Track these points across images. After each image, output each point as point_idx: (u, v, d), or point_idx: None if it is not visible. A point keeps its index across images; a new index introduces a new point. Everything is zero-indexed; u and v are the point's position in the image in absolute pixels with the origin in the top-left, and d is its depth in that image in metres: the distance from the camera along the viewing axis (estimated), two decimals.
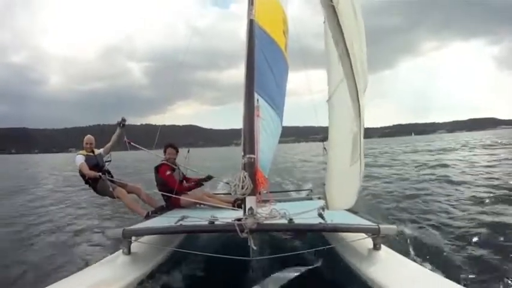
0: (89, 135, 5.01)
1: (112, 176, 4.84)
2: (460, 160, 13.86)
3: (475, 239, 3.96)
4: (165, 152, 4.81)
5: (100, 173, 4.61)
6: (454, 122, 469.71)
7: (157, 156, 4.90)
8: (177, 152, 4.86)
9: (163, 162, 4.70)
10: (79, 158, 4.76)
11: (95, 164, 4.82)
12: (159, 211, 4.33)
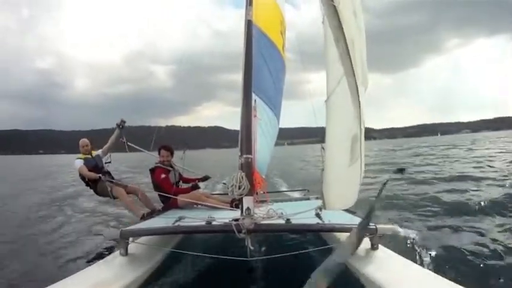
0: (82, 139, 5.02)
1: (112, 177, 4.83)
2: None
3: None
4: (159, 154, 4.76)
5: (100, 174, 4.61)
6: (479, 121, 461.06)
7: (156, 157, 4.88)
8: (172, 153, 4.81)
9: (158, 165, 4.67)
10: (78, 162, 4.75)
11: (94, 165, 4.81)
12: (154, 213, 4.29)
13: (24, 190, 11.30)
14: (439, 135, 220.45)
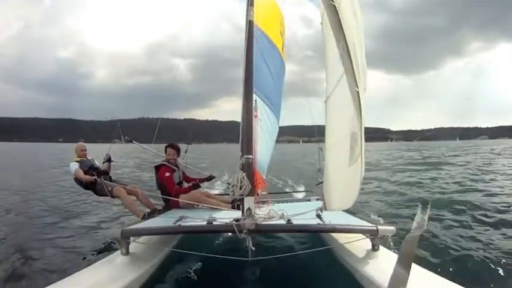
0: (80, 143, 5.07)
1: (110, 177, 4.84)
2: None
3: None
4: (165, 152, 4.76)
5: (95, 177, 4.62)
6: (497, 127, 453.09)
7: (157, 153, 4.89)
8: (178, 151, 4.82)
9: (163, 162, 4.68)
10: (73, 165, 4.75)
11: (90, 166, 4.83)
12: (155, 213, 4.31)
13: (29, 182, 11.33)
14: (457, 139, 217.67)
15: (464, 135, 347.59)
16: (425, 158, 21.45)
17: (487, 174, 10.88)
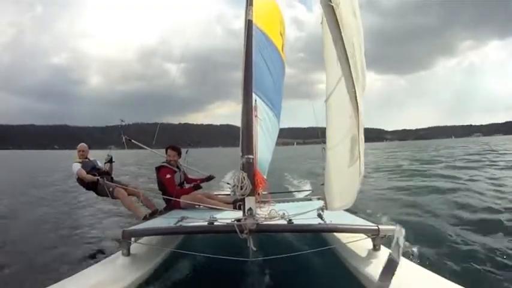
0: (82, 143, 5.08)
1: (112, 178, 4.84)
2: None
3: None
4: (166, 153, 4.77)
5: (98, 177, 4.63)
6: (491, 124, 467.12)
7: (160, 154, 4.89)
8: (179, 153, 4.83)
9: (164, 164, 4.68)
10: (75, 165, 4.77)
11: (92, 166, 4.83)
12: (156, 214, 4.30)
13: (27, 186, 11.30)
14: (452, 137, 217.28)
15: (458, 133, 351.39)
16: None
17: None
